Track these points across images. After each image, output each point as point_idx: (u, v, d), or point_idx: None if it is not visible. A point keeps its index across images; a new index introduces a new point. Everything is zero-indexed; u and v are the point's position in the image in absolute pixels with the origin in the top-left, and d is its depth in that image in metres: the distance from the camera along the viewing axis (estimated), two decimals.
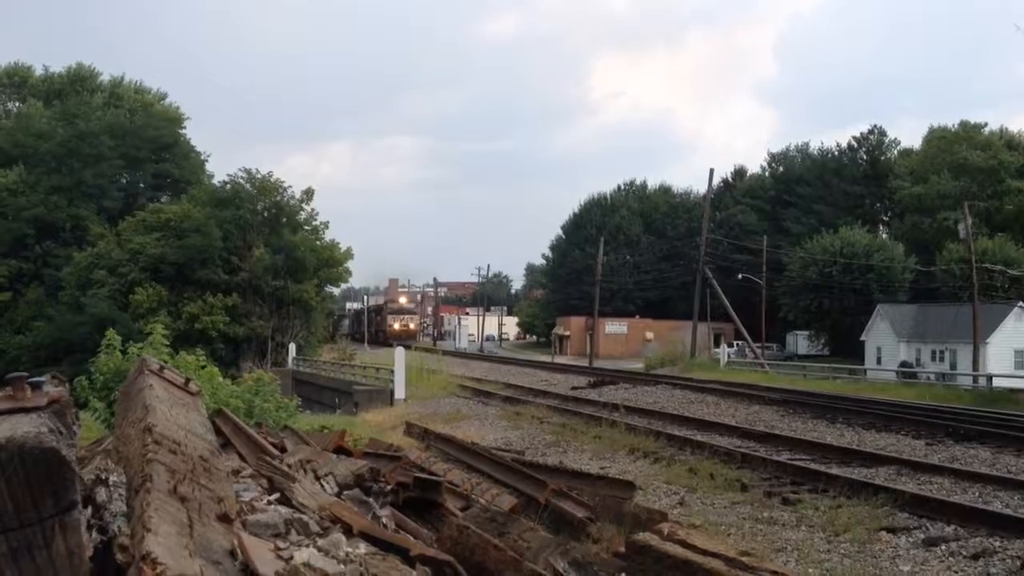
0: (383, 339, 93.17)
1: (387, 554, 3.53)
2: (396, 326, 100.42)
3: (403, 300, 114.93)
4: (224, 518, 3.36)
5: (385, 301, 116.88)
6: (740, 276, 69.56)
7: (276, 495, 4.75)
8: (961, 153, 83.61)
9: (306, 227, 59.23)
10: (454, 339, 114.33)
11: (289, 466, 6.13)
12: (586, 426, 19.19)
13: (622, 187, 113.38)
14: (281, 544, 3.41)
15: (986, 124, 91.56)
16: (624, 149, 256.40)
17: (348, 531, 3.99)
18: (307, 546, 3.43)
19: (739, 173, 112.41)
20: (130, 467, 3.94)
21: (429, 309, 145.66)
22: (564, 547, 5.81)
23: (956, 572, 8.04)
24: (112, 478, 3.87)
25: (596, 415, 20.66)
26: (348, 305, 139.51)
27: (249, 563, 2.93)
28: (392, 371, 30.29)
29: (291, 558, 3.16)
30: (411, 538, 4.96)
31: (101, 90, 75.40)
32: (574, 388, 30.88)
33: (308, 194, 59.46)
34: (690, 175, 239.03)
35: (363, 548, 3.62)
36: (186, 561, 2.71)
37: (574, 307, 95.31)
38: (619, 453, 15.81)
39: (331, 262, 59.60)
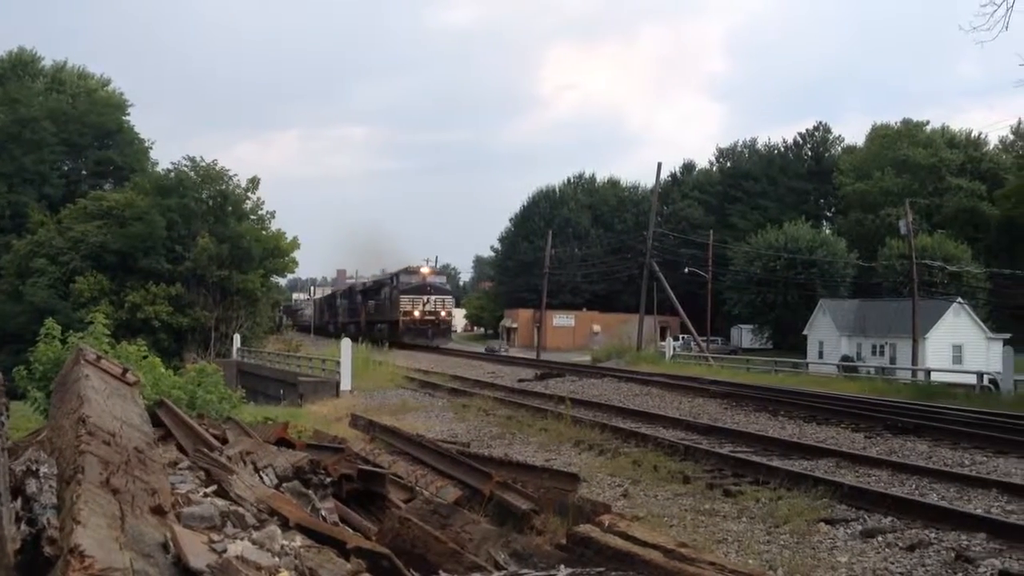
0: (391, 334, 59.08)
1: (322, 547, 3.51)
2: (417, 312, 60.52)
3: (425, 270, 65.79)
4: (158, 510, 3.32)
5: (395, 273, 67.95)
6: (687, 270, 70.20)
7: (213, 487, 4.69)
8: (903, 151, 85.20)
9: (252, 216, 58.68)
10: None
11: (229, 458, 6.06)
12: (532, 418, 19.21)
13: (571, 180, 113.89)
14: (215, 537, 3.37)
15: (928, 122, 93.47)
16: (575, 141, 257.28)
17: (285, 523, 3.95)
18: (242, 539, 3.39)
19: (687, 167, 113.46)
20: (63, 458, 3.87)
21: None
22: (506, 539, 5.83)
23: (892, 563, 8.15)
24: (43, 469, 3.79)
25: (542, 407, 20.70)
26: (295, 295, 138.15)
27: (181, 556, 2.89)
28: (338, 362, 30.10)
29: (224, 551, 3.12)
30: (349, 530, 4.93)
31: (43, 75, 74.03)
32: (521, 380, 30.92)
33: (254, 183, 58.92)
34: (639, 169, 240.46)
35: (299, 541, 3.59)
36: (116, 554, 2.67)
37: (522, 299, 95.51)
38: (564, 445, 15.85)
39: (277, 252, 59.09)
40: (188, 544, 2.99)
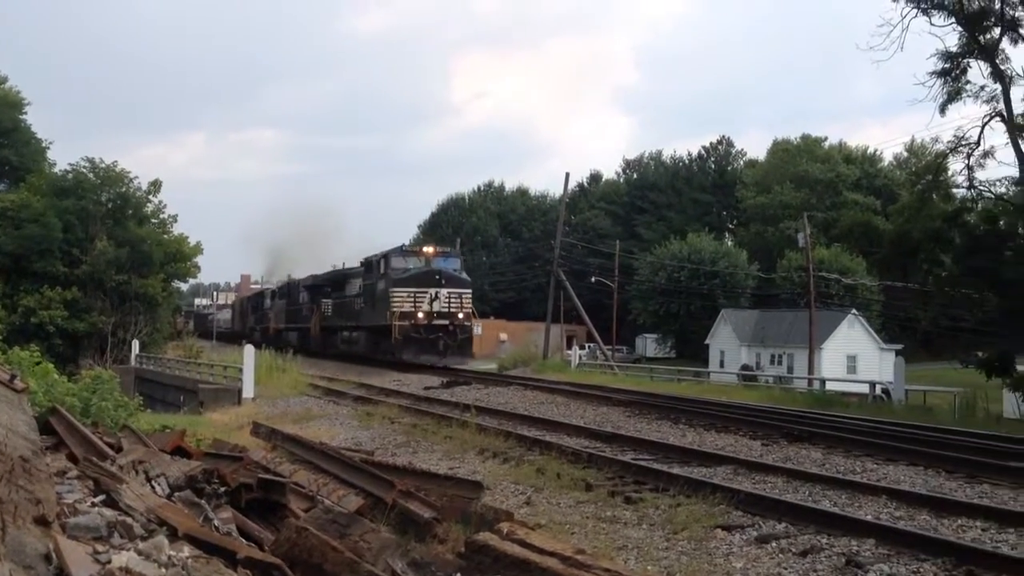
0: (370, 346, 43.03)
1: (211, 557, 3.45)
2: (421, 313, 38.40)
3: (430, 249, 41.77)
4: (41, 520, 3.23)
5: (379, 256, 41.40)
6: (593, 279, 70.94)
7: (102, 497, 4.58)
8: (802, 165, 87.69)
9: (153, 220, 57.37)
10: None
11: (120, 467, 5.92)
12: (437, 426, 19.14)
13: (480, 188, 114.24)
14: (101, 547, 3.29)
15: (826, 138, 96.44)
16: (485, 150, 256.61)
17: (174, 534, 3.87)
18: (128, 549, 3.32)
19: (595, 178, 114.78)
20: None
21: None
22: (405, 548, 5.82)
23: (785, 568, 8.33)
24: None
25: (448, 415, 20.61)
26: (197, 301, 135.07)
27: (64, 567, 2.82)
28: (240, 369, 29.60)
29: (109, 562, 3.05)
30: (241, 540, 4.86)
31: None
32: (427, 388, 30.74)
33: (155, 186, 57.58)
34: (548, 178, 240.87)
35: (187, 551, 3.52)
36: None
37: None
38: (469, 453, 15.84)
39: (179, 256, 57.85)
40: (71, 555, 2.92)
